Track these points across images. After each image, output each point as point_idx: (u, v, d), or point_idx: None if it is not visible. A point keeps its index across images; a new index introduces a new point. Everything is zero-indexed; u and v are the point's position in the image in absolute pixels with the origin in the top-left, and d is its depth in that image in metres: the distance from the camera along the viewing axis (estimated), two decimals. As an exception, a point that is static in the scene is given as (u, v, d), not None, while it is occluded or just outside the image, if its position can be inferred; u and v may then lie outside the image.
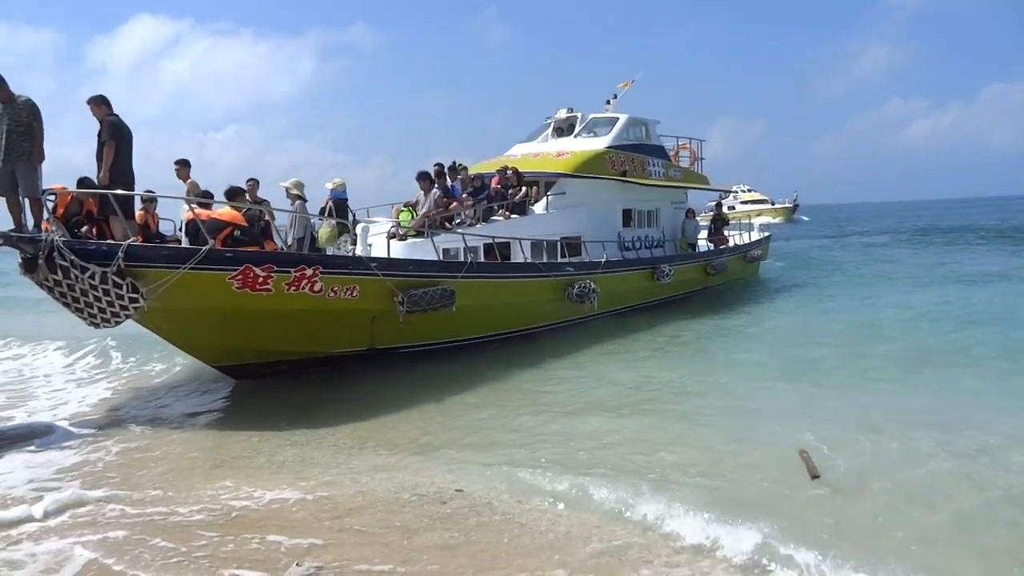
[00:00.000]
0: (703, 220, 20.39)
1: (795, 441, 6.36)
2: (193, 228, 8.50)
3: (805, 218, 74.40)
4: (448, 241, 11.23)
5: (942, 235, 40.07)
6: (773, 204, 73.06)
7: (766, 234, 22.94)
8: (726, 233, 19.80)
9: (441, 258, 10.65)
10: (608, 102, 17.75)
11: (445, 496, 5.65)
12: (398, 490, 5.82)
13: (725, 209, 71.75)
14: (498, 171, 13.75)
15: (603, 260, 13.39)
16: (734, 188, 75.21)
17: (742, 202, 72.03)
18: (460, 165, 13.15)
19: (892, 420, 7.04)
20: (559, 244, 13.48)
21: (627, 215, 16.06)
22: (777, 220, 66.81)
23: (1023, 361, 9.59)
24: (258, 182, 10.19)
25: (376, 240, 10.86)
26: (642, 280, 14.78)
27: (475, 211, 12.38)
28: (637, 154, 16.22)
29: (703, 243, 18.97)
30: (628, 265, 14.61)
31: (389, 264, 9.67)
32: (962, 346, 10.72)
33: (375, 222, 11.78)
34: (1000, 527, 4.91)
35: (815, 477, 5.62)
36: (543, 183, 14.57)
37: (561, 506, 5.45)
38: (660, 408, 7.99)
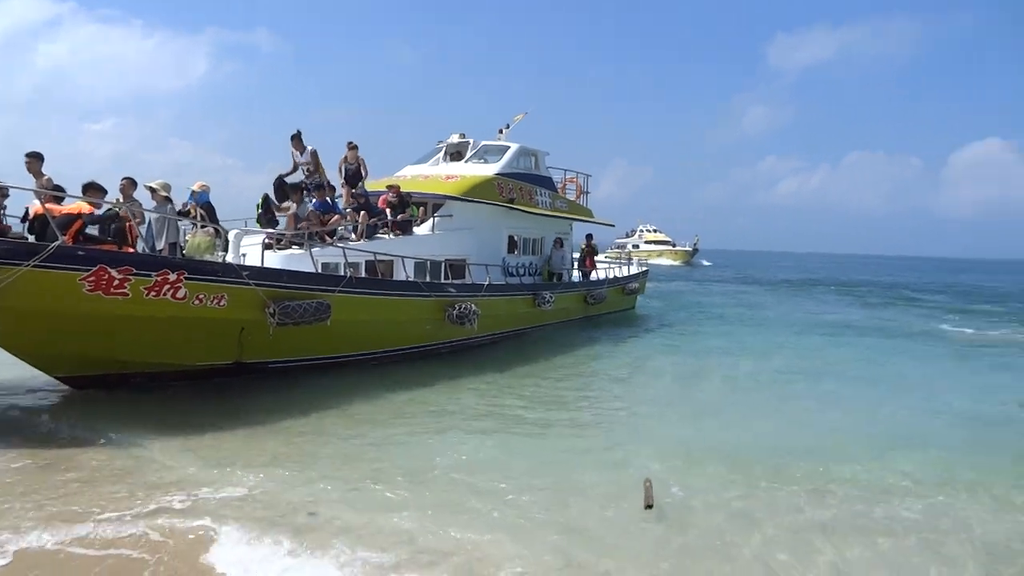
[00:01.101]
0: (604, 252, 20.87)
1: (644, 471, 6.56)
2: (40, 224, 7.84)
3: (706, 262, 76.51)
4: (328, 255, 10.99)
5: (814, 286, 43.51)
6: (674, 246, 74.48)
7: (644, 269, 23.97)
8: (597, 266, 20.24)
9: (320, 271, 10.39)
10: (501, 131, 18.12)
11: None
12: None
13: (630, 247, 74.60)
14: (388, 187, 13.71)
15: (486, 283, 13.52)
16: (640, 227, 77.63)
17: (647, 241, 74.06)
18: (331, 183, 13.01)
19: (735, 453, 7.43)
20: (443, 266, 13.51)
21: (512, 242, 16.36)
22: (677, 262, 69.41)
23: (848, 398, 10.58)
24: (134, 181, 9.47)
25: (251, 250, 10.45)
26: (523, 305, 15.03)
27: (359, 227, 12.23)
28: (525, 183, 16.59)
29: (575, 274, 19.45)
30: (510, 290, 14.83)
31: (262, 273, 9.31)
32: (804, 384, 11.64)
33: (251, 231, 11.35)
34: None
35: (648, 507, 5.78)
36: (431, 204, 14.60)
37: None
38: (513, 435, 8.04)
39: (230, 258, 9.34)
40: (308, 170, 12.84)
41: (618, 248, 74.18)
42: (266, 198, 12.18)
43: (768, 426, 8.78)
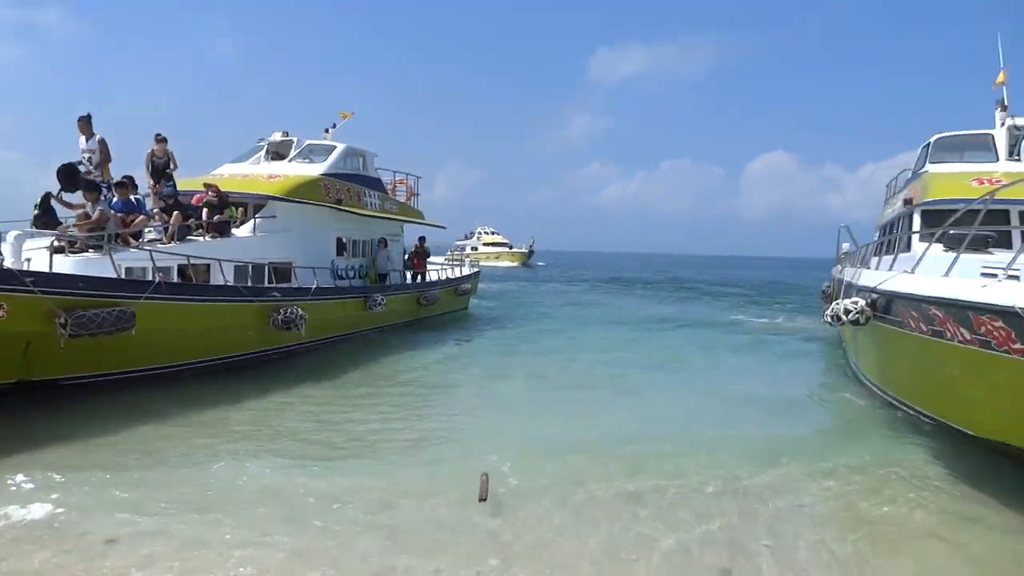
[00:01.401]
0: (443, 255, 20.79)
1: (480, 469, 6.54)
2: None
3: (541, 263, 78.37)
4: (133, 259, 10.08)
5: (635, 283, 46.41)
6: (511, 248, 75.32)
7: (476, 270, 24.40)
8: (428, 267, 20.33)
9: (122, 276, 9.50)
10: (327, 130, 17.62)
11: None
12: None
13: (469, 249, 74.54)
14: (205, 186, 12.84)
15: (313, 287, 13.08)
16: (478, 229, 78.01)
17: (485, 243, 74.49)
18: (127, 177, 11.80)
19: (566, 446, 7.67)
20: (267, 269, 12.88)
21: (341, 244, 15.97)
22: (515, 264, 70.43)
23: (673, 389, 11.46)
24: None
25: (36, 254, 9.33)
26: (354, 308, 14.72)
27: (170, 228, 11.35)
28: (353, 184, 16.26)
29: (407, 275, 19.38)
30: (339, 293, 14.46)
31: (51, 280, 8.34)
32: (625, 376, 12.43)
33: (38, 233, 10.13)
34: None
35: (482, 500, 5.89)
36: (252, 205, 13.86)
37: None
38: (339, 445, 7.82)
39: (9, 263, 8.27)
40: (91, 160, 11.41)
41: (458, 250, 74.78)
42: (46, 198, 10.77)
43: (598, 419, 9.20)
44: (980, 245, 7.79)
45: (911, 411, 8.30)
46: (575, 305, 28.09)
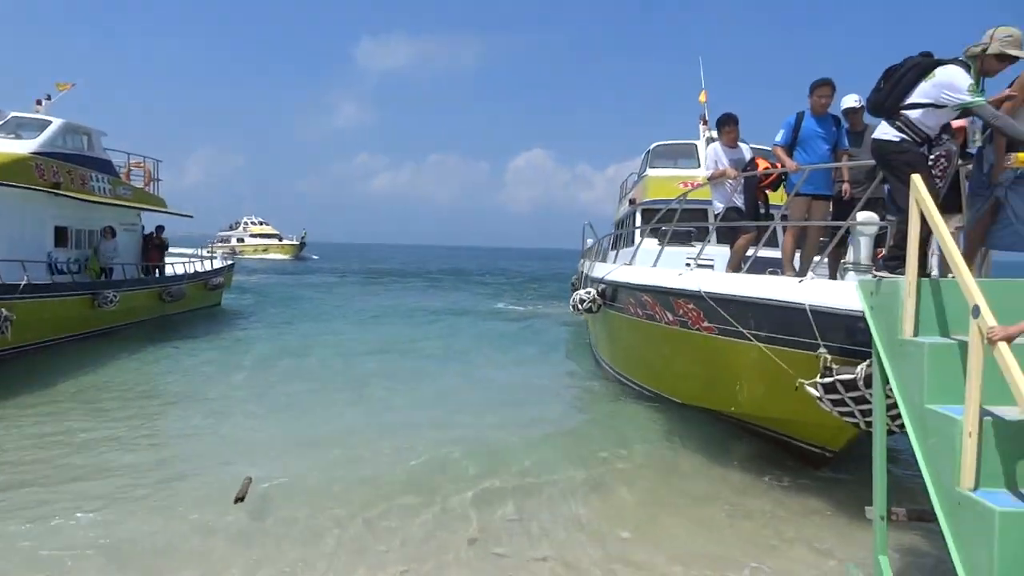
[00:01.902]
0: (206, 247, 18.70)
1: (236, 472, 6.27)
2: None
3: (315, 256, 74.28)
4: None
5: (406, 275, 46.38)
6: (281, 240, 70.04)
7: (229, 263, 22.87)
8: (166, 259, 18.50)
9: None
10: (39, 102, 15.29)
11: None
12: None
13: (235, 241, 67.90)
14: None
15: (22, 283, 11.31)
16: (244, 219, 71.57)
17: (252, 235, 69.18)
18: None
19: (322, 440, 7.60)
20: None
21: (61, 234, 13.98)
22: (287, 257, 65.95)
23: (424, 379, 11.62)
24: None
25: None
26: (79, 307, 13.02)
27: None
28: (76, 166, 14.30)
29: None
30: (59, 290, 12.68)
31: None
32: (383, 370, 12.41)
33: None
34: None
35: (239, 500, 5.64)
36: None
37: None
38: (69, 467, 6.91)
39: None
40: None
41: (221, 242, 68.96)
42: None
43: (356, 412, 9.10)
44: (685, 239, 9.04)
45: (635, 386, 9.41)
46: (343, 298, 27.56)
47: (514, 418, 8.70)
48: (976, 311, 3.31)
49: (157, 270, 17.51)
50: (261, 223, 72.01)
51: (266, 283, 33.60)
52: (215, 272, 20.46)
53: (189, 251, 21.46)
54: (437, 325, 19.08)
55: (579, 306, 9.78)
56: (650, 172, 11.34)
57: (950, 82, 4.25)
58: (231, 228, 71.33)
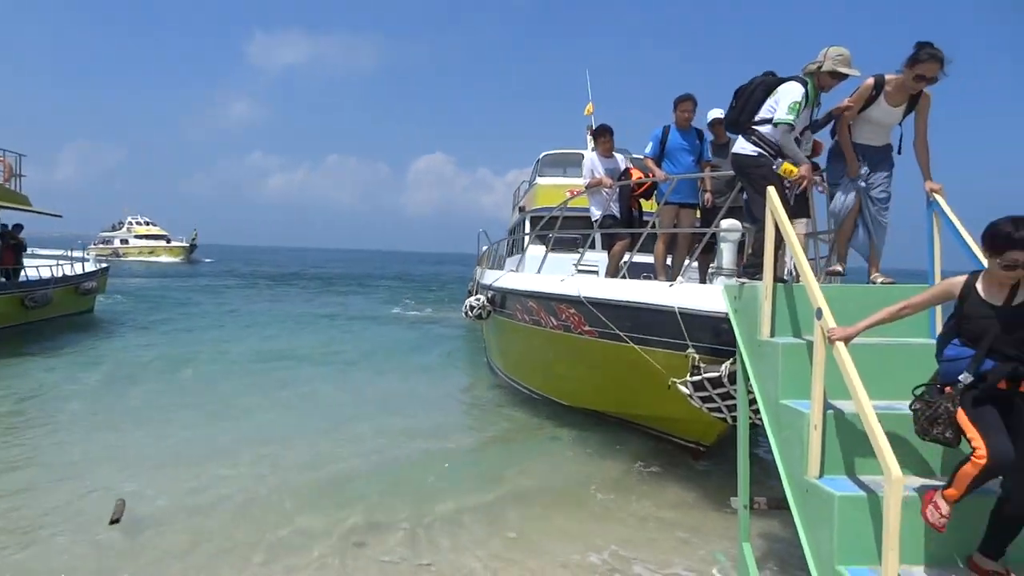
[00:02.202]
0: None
1: (109, 492, 5.97)
2: None
3: (208, 259, 69.97)
4: None
5: (301, 279, 44.87)
6: (170, 242, 65.60)
7: (104, 266, 21.42)
8: (29, 261, 17.17)
9: None
10: None
11: None
12: None
13: (118, 243, 62.65)
14: None
15: None
16: (128, 219, 66.50)
17: (138, 236, 64.42)
18: None
19: (199, 455, 7.27)
20: None
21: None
22: (176, 260, 61.92)
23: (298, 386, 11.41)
24: None
25: None
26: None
27: None
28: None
29: None
30: None
31: None
32: (267, 380, 11.98)
33: None
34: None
35: (114, 522, 5.36)
36: None
37: None
38: None
39: None
40: None
41: (103, 243, 63.99)
42: None
43: (245, 423, 8.77)
44: (572, 246, 9.27)
45: (526, 390, 9.56)
46: (232, 303, 26.37)
47: (405, 427, 8.62)
48: (819, 313, 3.61)
49: (16, 273, 16.11)
50: (147, 223, 67.29)
51: (149, 288, 31.64)
52: (87, 276, 19.08)
53: (58, 253, 19.93)
54: (330, 332, 18.62)
55: (469, 312, 9.85)
56: (539, 181, 11.60)
57: (781, 97, 4.65)
58: (113, 229, 66.63)
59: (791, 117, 4.59)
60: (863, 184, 4.82)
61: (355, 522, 5.60)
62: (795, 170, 4.62)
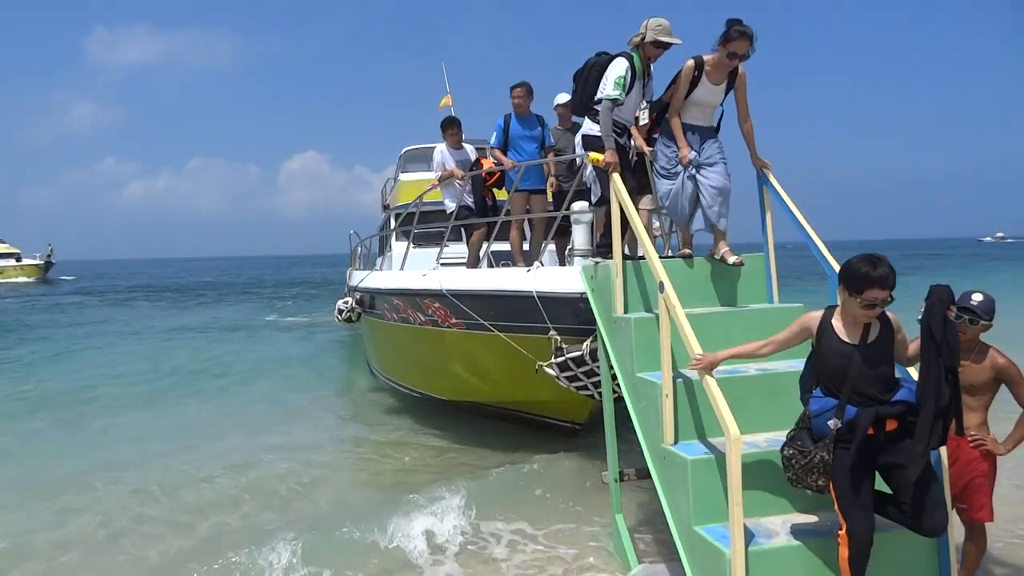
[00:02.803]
0: None
1: None
2: None
3: (68, 276, 63.23)
4: None
5: (166, 291, 41.88)
6: (20, 260, 58.99)
7: None
8: None
9: None
10: None
11: None
12: None
13: None
14: None
15: None
16: None
17: None
18: None
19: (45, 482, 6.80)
20: None
21: None
22: (29, 279, 55.53)
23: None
24: None
25: None
26: None
27: None
28: None
29: None
30: None
31: None
32: (144, 393, 11.28)
33: None
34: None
35: None
36: None
37: None
38: None
39: None
40: None
41: None
42: None
43: (93, 445, 8.21)
44: (438, 240, 9.14)
45: (404, 389, 9.39)
46: (92, 321, 24.29)
47: (277, 440, 8.27)
48: (661, 287, 3.74)
49: None
50: None
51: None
52: None
53: None
54: (199, 342, 17.58)
55: (339, 316, 9.56)
56: (403, 177, 11.39)
57: (607, 75, 4.76)
58: None
59: (616, 93, 4.67)
60: (694, 170, 4.64)
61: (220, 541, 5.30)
62: (600, 157, 4.68)
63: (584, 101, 5.00)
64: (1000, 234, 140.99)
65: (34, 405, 10.67)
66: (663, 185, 4.77)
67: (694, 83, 4.56)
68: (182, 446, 7.98)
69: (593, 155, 4.72)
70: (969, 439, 3.55)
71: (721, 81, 4.58)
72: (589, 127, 4.98)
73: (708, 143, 4.70)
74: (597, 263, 4.77)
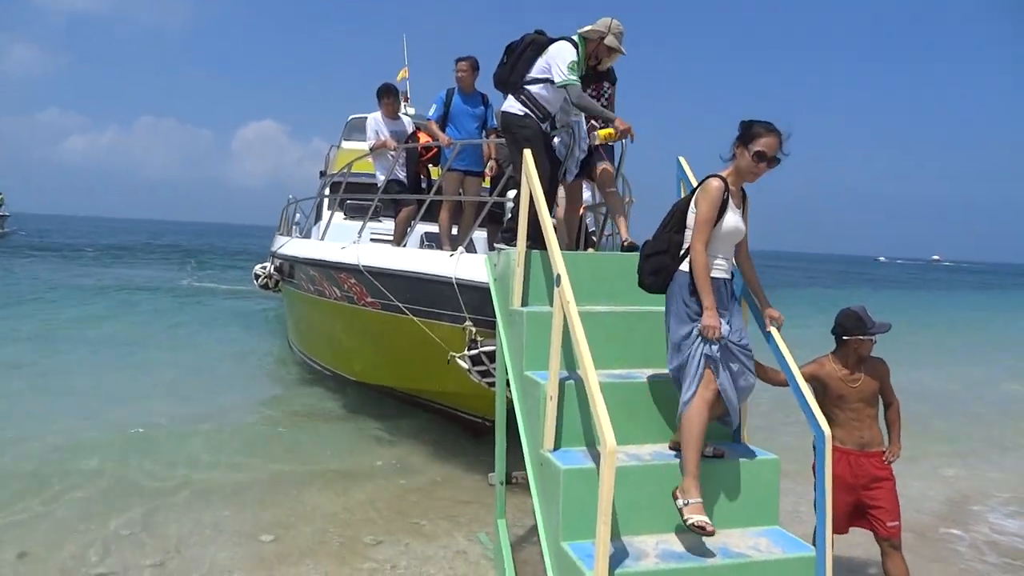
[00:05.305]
0: None
1: None
2: None
3: (21, 232, 56.54)
4: None
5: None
6: None
7: None
8: None
9: None
10: None
11: None
12: None
13: None
14: None
15: None
16: None
17: None
18: None
19: None
20: None
21: None
22: None
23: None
24: None
25: None
26: None
27: None
28: None
29: None
30: None
31: None
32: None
33: None
34: None
35: None
36: None
37: None
38: None
39: None
40: None
41: None
42: None
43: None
44: (373, 214, 8.74)
45: (317, 366, 8.99)
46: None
47: (172, 409, 7.78)
48: (558, 280, 3.44)
49: None
50: None
51: None
52: None
53: None
54: (128, 307, 16.72)
55: (255, 281, 9.07)
56: (344, 145, 10.94)
57: (555, 58, 4.47)
58: None
59: (575, 77, 4.43)
60: (717, 351, 3.16)
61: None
62: (612, 132, 4.54)
63: (512, 78, 4.68)
64: (936, 257, 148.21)
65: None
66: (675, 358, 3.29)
67: (721, 209, 3.20)
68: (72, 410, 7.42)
69: (602, 132, 4.59)
70: (883, 457, 3.66)
71: (740, 204, 3.32)
72: (510, 104, 4.67)
73: (734, 307, 3.34)
74: (500, 251, 4.46)
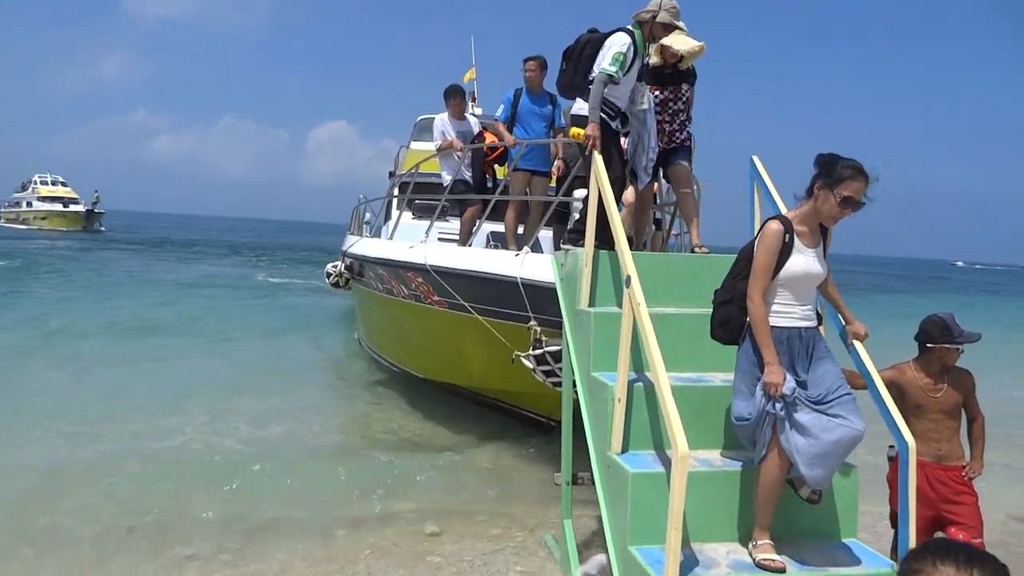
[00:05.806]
0: None
1: None
2: None
3: (102, 228, 56.22)
4: None
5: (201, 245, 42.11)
6: (67, 206, 53.16)
7: None
8: None
9: None
10: None
11: None
12: None
13: (24, 206, 54.63)
14: None
15: None
16: (35, 178, 55.22)
17: (41, 198, 53.43)
18: None
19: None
20: None
21: None
22: (70, 228, 50.66)
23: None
24: None
25: None
26: None
27: None
28: None
29: None
30: None
31: None
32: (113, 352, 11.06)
33: None
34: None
35: None
36: None
37: None
38: None
39: None
40: None
41: (13, 206, 56.15)
42: None
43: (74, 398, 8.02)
44: (440, 214, 8.84)
45: (385, 363, 9.15)
46: (91, 274, 24.39)
47: (249, 404, 8.05)
48: (628, 281, 3.40)
49: None
50: (56, 182, 54.67)
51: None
52: None
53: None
54: (210, 302, 17.42)
55: (327, 280, 9.31)
56: (413, 145, 11.08)
57: (606, 51, 4.40)
58: (22, 188, 56.67)
59: (612, 68, 4.32)
60: (781, 410, 2.92)
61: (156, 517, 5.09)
62: (580, 132, 4.36)
63: (576, 81, 4.64)
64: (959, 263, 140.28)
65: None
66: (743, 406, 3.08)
67: (784, 252, 2.98)
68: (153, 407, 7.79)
69: (575, 130, 4.38)
70: (962, 473, 3.51)
71: (817, 243, 3.08)
72: (580, 106, 4.63)
73: (818, 356, 3.02)
74: (567, 251, 4.44)
